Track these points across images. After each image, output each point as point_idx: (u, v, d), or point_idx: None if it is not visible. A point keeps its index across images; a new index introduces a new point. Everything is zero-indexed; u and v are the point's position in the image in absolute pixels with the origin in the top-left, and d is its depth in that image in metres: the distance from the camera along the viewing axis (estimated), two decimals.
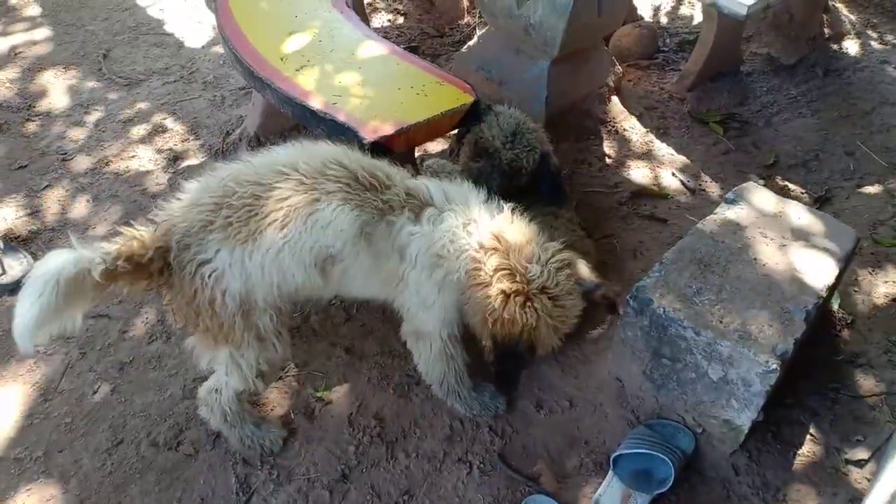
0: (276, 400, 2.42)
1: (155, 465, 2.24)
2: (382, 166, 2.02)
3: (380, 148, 2.39)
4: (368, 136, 2.39)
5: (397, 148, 2.45)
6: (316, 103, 2.55)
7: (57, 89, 3.77)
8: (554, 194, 2.76)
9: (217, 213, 1.85)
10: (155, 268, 1.86)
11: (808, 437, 2.34)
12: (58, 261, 1.70)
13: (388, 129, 2.42)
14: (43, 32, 4.17)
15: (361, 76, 2.68)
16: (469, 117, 2.63)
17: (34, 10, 4.36)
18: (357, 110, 2.51)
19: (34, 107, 3.64)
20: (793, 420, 2.37)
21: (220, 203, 1.86)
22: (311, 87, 2.62)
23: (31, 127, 3.52)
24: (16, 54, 3.97)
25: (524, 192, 2.72)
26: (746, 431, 2.16)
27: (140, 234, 1.86)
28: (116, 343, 2.58)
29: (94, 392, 2.43)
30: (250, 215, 1.83)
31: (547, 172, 2.73)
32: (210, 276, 1.85)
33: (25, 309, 1.66)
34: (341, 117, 2.47)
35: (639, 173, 3.41)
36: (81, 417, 2.36)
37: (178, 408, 2.38)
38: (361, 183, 1.91)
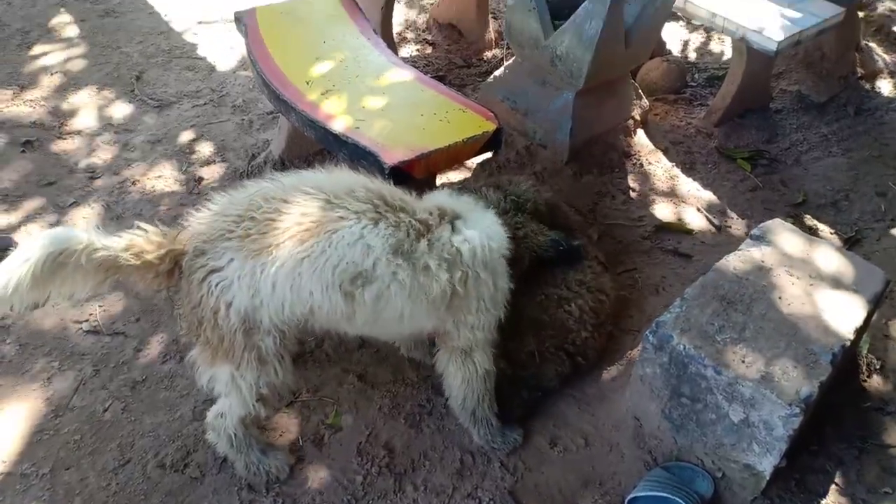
0: (285, 425, 2.39)
1: (160, 487, 2.21)
2: (403, 193, 2.01)
3: (400, 173, 2.39)
4: (389, 160, 2.39)
5: (418, 173, 2.44)
6: (338, 127, 2.56)
7: (89, 109, 3.84)
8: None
9: (238, 225, 1.83)
10: (164, 269, 1.86)
11: (834, 486, 2.25)
12: (49, 237, 1.72)
13: (408, 155, 2.42)
14: (79, 53, 4.27)
15: (385, 101, 2.69)
16: (492, 144, 2.62)
17: (72, 32, 4.47)
18: (379, 135, 2.51)
19: (66, 125, 3.70)
20: (817, 468, 2.28)
21: (244, 215, 1.84)
22: (334, 111, 2.64)
23: (62, 145, 3.58)
24: (52, 74, 4.06)
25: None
26: (768, 478, 2.09)
27: (155, 233, 1.87)
28: (130, 361, 2.58)
29: (105, 410, 2.42)
30: (272, 228, 1.80)
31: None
32: (217, 285, 1.81)
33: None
34: (363, 141, 2.48)
35: (663, 208, 3.36)
36: (91, 435, 2.34)
37: (188, 429, 2.36)
38: (391, 204, 1.89)
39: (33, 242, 1.71)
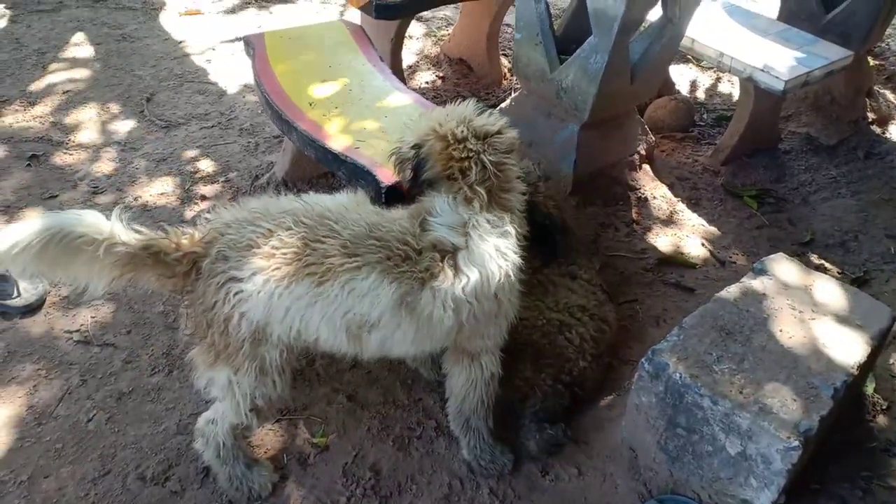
0: (271, 442, 2.34)
1: (139, 500, 2.16)
2: (406, 225, 1.97)
3: (396, 192, 2.37)
4: (386, 180, 2.39)
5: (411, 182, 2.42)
6: (338, 146, 2.56)
7: (97, 127, 3.88)
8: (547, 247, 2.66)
9: (267, 240, 1.85)
10: (181, 270, 1.87)
11: None
12: (72, 216, 1.73)
13: None
14: (92, 74, 4.34)
15: (385, 123, 2.70)
16: None
17: (87, 54, 4.55)
18: (377, 155, 2.51)
19: (72, 141, 3.74)
20: None
21: (274, 232, 1.86)
22: (335, 131, 2.65)
23: (67, 159, 3.61)
24: (63, 93, 4.13)
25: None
26: None
27: (176, 234, 1.88)
28: (118, 373, 2.55)
29: (89, 420, 2.38)
30: (296, 258, 1.83)
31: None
32: (235, 294, 1.83)
33: (6, 237, 1.67)
34: (361, 161, 2.48)
35: (666, 241, 3.33)
36: (72, 444, 2.31)
37: (171, 443, 2.32)
38: (397, 254, 1.89)
39: (56, 216, 1.72)
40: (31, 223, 1.69)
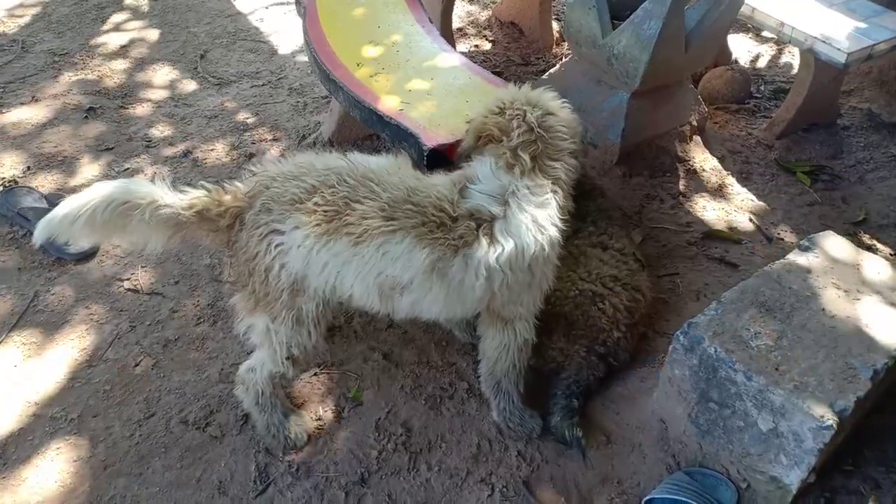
0: (308, 395, 2.41)
1: (181, 443, 2.26)
2: (444, 192, 1.97)
3: (438, 156, 2.38)
4: (429, 142, 2.39)
5: (455, 157, 2.43)
6: (383, 108, 2.58)
7: (152, 82, 3.98)
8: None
9: (310, 196, 1.90)
10: (224, 224, 1.96)
11: None
12: (115, 186, 1.83)
13: (448, 138, 2.41)
14: (149, 31, 4.44)
15: (431, 86, 2.70)
16: None
17: (145, 10, 4.66)
18: (422, 118, 2.52)
19: (129, 96, 3.85)
20: (850, 489, 2.16)
21: (317, 188, 1.91)
22: (381, 93, 2.66)
23: (123, 114, 3.72)
24: (121, 47, 4.23)
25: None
26: (795, 492, 1.99)
27: (217, 191, 1.96)
28: (165, 321, 2.65)
29: (137, 364, 2.49)
30: (336, 216, 1.87)
31: None
32: (276, 246, 1.91)
33: (58, 210, 1.79)
34: (406, 123, 2.49)
35: (713, 215, 3.27)
36: (120, 387, 2.42)
37: (213, 390, 2.41)
38: (432, 220, 1.91)
39: (102, 186, 1.83)
40: (77, 197, 1.80)
